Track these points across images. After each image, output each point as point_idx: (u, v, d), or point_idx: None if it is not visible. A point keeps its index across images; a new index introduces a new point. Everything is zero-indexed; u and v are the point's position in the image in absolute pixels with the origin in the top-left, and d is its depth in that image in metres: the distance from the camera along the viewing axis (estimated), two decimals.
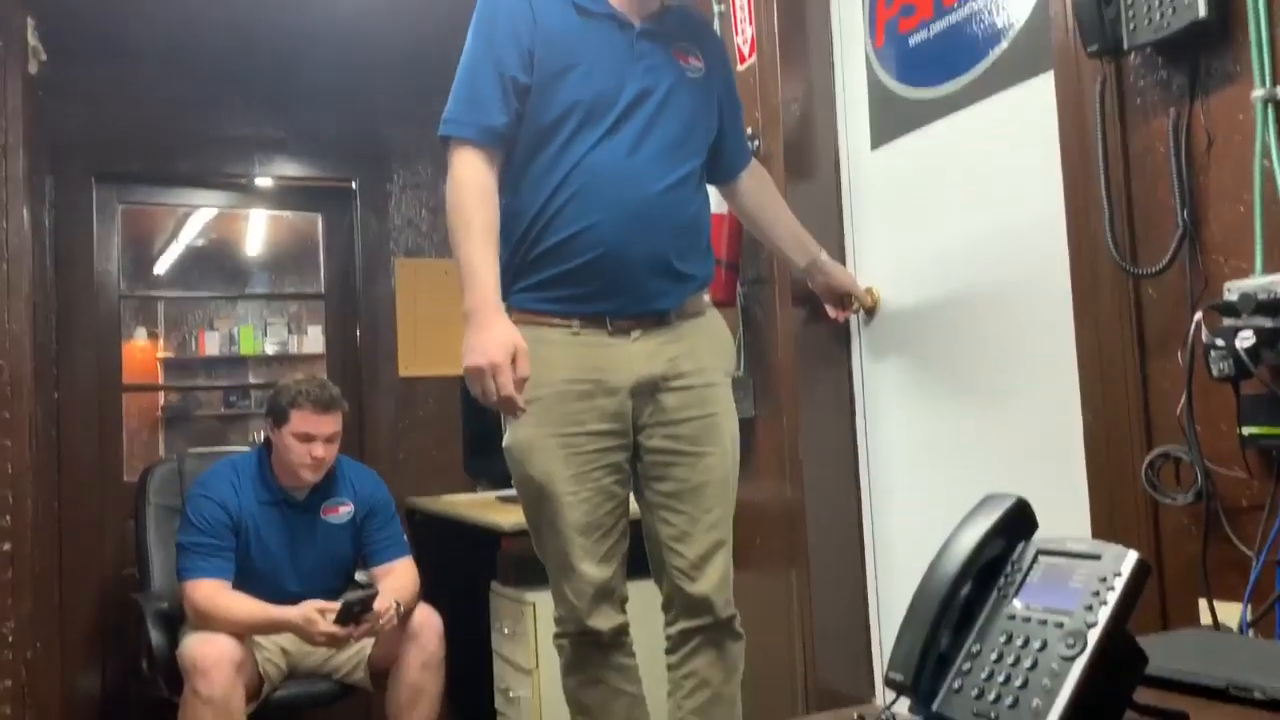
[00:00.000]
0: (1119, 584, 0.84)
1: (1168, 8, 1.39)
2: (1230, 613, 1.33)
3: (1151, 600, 1.47)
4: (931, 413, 2.19)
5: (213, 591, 2.50)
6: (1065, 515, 1.61)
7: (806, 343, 2.42)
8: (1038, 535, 0.95)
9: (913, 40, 2.24)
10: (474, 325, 1.68)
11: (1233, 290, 1.31)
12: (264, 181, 3.83)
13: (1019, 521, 0.96)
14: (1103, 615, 0.83)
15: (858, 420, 2.41)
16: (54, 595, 3.30)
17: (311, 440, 2.58)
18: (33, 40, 3.12)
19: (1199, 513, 1.42)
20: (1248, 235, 1.35)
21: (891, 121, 2.30)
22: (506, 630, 2.69)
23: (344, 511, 2.72)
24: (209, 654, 2.37)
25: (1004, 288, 1.98)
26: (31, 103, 3.27)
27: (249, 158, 3.73)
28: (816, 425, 2.40)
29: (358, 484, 2.77)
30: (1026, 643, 0.86)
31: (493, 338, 1.64)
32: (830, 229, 2.43)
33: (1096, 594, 0.84)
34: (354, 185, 3.86)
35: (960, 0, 2.10)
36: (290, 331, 6.82)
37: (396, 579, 2.64)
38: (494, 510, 2.89)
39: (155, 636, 2.64)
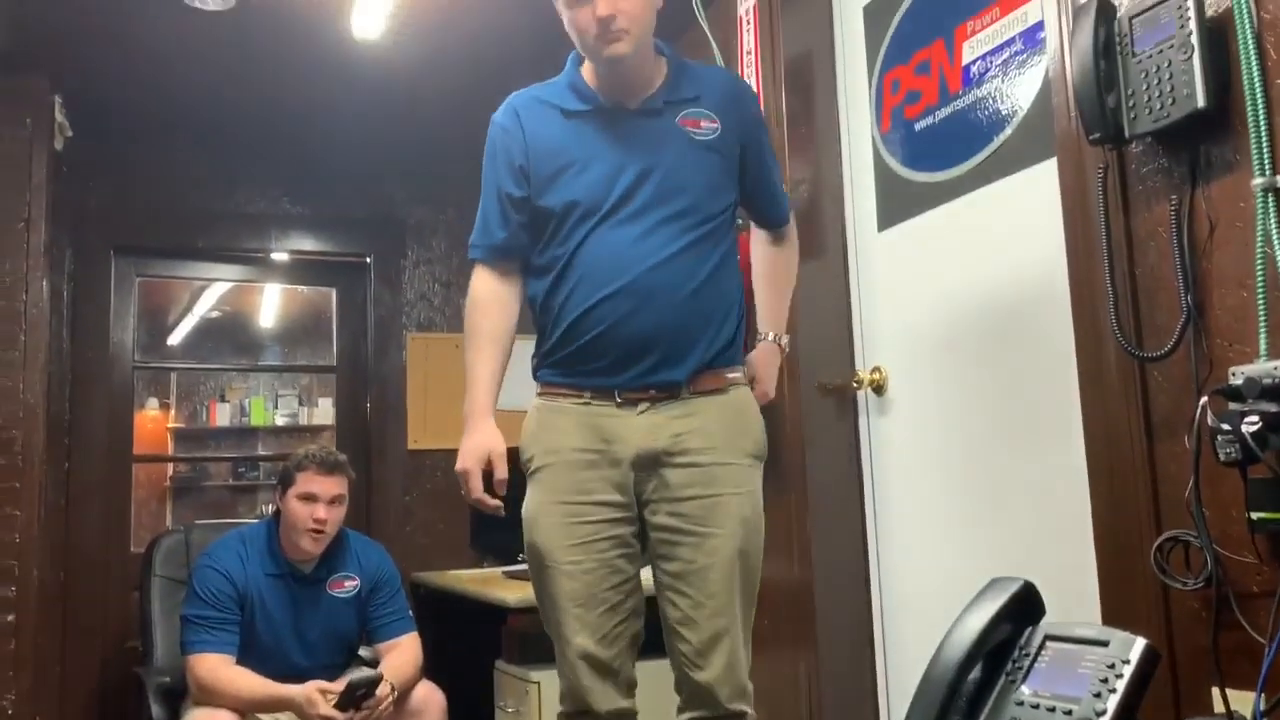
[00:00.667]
0: (1128, 671, 0.83)
1: (1168, 98, 1.42)
2: (1243, 701, 1.30)
3: (1163, 687, 1.45)
4: (940, 492, 2.19)
5: (216, 666, 2.46)
6: (1075, 598, 1.60)
7: (813, 419, 2.42)
8: (1046, 620, 0.95)
9: (919, 125, 2.28)
10: (465, 430, 1.89)
11: (1238, 375, 1.31)
12: (280, 256, 3.89)
13: (1026, 605, 0.96)
14: (1112, 703, 0.82)
15: (866, 499, 2.40)
16: (56, 668, 3.27)
17: (314, 501, 2.56)
18: (59, 117, 3.20)
19: (1209, 598, 1.40)
20: (1252, 320, 1.36)
21: (898, 204, 2.34)
22: (510, 709, 2.65)
23: (350, 586, 2.69)
24: None
25: (1011, 369, 1.99)
26: (55, 177, 3.34)
27: (266, 233, 3.80)
28: (824, 503, 2.39)
29: (364, 558, 2.74)
30: None
31: (472, 444, 1.85)
32: (838, 307, 2.45)
33: (1105, 681, 0.83)
34: (369, 260, 3.92)
35: (965, 87, 2.15)
36: (301, 403, 6.84)
37: (400, 655, 2.60)
38: (499, 586, 2.87)
39: (156, 712, 2.60)
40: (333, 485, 2.60)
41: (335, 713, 2.34)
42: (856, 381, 2.39)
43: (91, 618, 3.35)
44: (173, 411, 6.73)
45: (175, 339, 6.38)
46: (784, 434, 2.47)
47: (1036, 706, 0.86)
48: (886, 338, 2.38)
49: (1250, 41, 1.33)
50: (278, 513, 2.68)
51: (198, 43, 3.01)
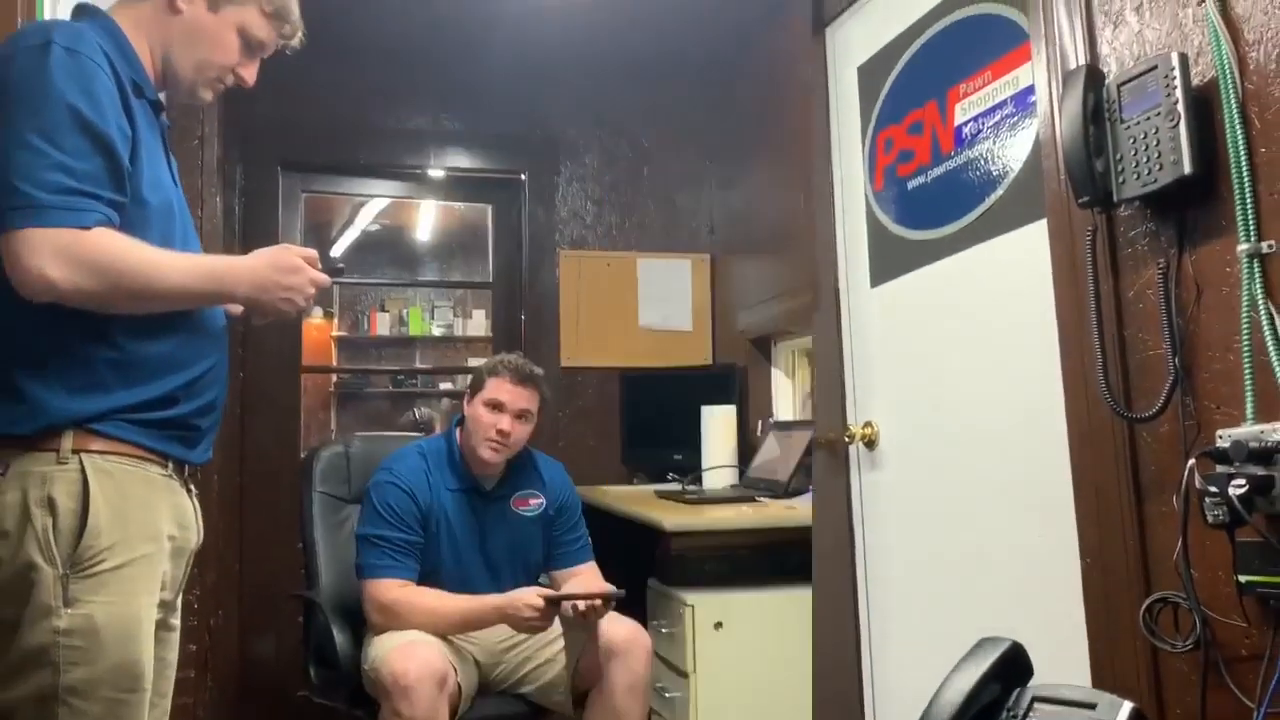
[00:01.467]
0: None
1: (1155, 163, 1.41)
2: None
3: None
4: (928, 550, 2.17)
5: (401, 590, 2.34)
6: (1064, 659, 1.54)
7: (817, 470, 2.47)
8: (1034, 681, 0.90)
9: (911, 184, 2.25)
10: (229, 272, 1.49)
11: (1225, 438, 1.28)
12: (436, 172, 3.93)
13: (1014, 666, 0.92)
14: None
15: (856, 555, 2.40)
16: (235, 566, 3.48)
17: (500, 410, 2.43)
18: None
19: (1198, 660, 1.35)
20: (1238, 383, 1.33)
21: (890, 261, 2.32)
22: (664, 630, 2.67)
23: (535, 504, 2.57)
24: (411, 670, 2.10)
25: (1000, 427, 1.95)
26: (224, 95, 3.43)
27: (424, 149, 3.83)
28: (822, 546, 2.40)
29: (549, 478, 2.62)
30: None
31: (263, 260, 1.50)
32: (832, 362, 2.45)
33: None
34: (523, 177, 3.92)
35: (958, 148, 2.10)
36: (456, 314, 7.02)
37: (584, 585, 2.45)
38: (654, 506, 2.88)
39: (340, 640, 2.40)
40: (522, 397, 2.46)
41: (543, 599, 2.22)
42: (849, 436, 2.37)
43: (266, 523, 3.53)
44: (336, 320, 7.00)
45: (337, 252, 6.60)
46: None
47: None
48: (879, 392, 2.35)
49: (1235, 111, 1.33)
50: (460, 421, 2.57)
51: None
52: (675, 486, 3.28)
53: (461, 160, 3.88)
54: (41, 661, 1.28)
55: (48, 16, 1.98)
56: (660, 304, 3.96)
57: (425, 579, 2.41)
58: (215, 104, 3.19)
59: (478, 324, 6.66)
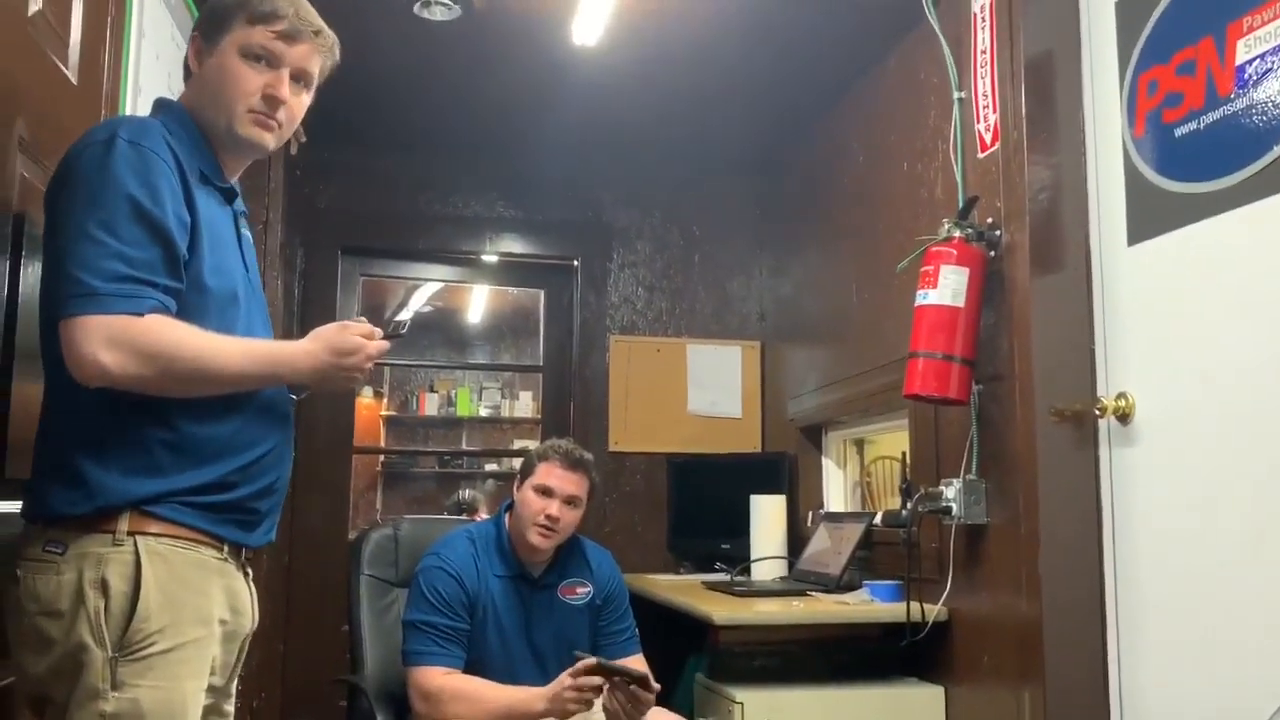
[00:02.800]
0: None
1: None
2: None
3: None
4: (1196, 540, 1.98)
5: (446, 678, 2.28)
6: None
7: (1049, 446, 2.24)
8: None
9: (1179, 131, 2.07)
10: (290, 359, 1.51)
11: None
12: (490, 257, 3.98)
13: None
14: None
15: (1105, 535, 2.21)
16: (279, 648, 3.46)
17: (550, 496, 2.40)
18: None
19: None
20: None
21: (1151, 216, 2.13)
22: None
23: (583, 593, 2.52)
24: None
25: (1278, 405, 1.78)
26: (290, 181, 3.53)
27: (480, 235, 3.90)
28: (1058, 536, 2.21)
29: (597, 566, 2.57)
30: None
31: (323, 341, 1.52)
32: (1078, 326, 2.26)
33: None
34: (576, 263, 3.96)
35: (1239, 90, 1.92)
36: (503, 396, 7.05)
37: None
38: (702, 597, 2.82)
39: None
40: (571, 482, 2.44)
41: (594, 679, 2.15)
42: (1099, 409, 2.19)
43: (312, 604, 3.52)
44: (385, 400, 7.07)
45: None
46: (1014, 460, 2.31)
47: None
48: (1134, 362, 2.17)
49: None
50: (509, 506, 2.54)
51: (423, 52, 3.11)
52: (723, 577, 3.22)
53: (516, 246, 3.94)
54: None
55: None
56: (709, 390, 3.94)
57: (471, 667, 2.36)
58: (281, 190, 3.31)
59: (524, 405, 6.68)
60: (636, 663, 2.49)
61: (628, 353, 3.91)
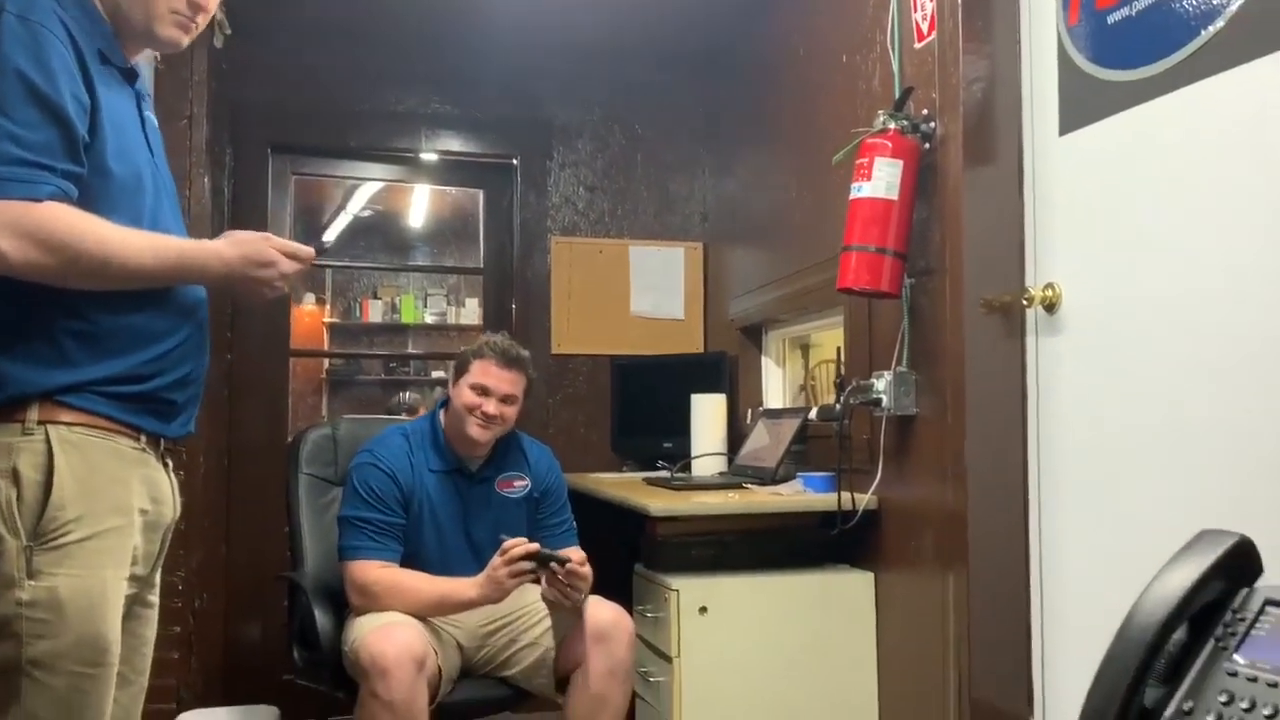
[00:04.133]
0: None
1: None
2: None
3: None
4: (1115, 424, 2.03)
5: (380, 571, 2.31)
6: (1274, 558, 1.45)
7: (977, 337, 2.28)
8: (1263, 582, 0.84)
9: (1112, 18, 2.05)
10: (198, 257, 1.49)
11: None
12: (428, 156, 3.90)
13: (1242, 563, 0.84)
14: None
15: (1029, 423, 2.26)
16: (221, 548, 3.46)
17: (486, 394, 2.40)
18: (219, 14, 3.24)
19: None
20: None
21: (1082, 106, 2.13)
22: (650, 615, 2.66)
23: (520, 486, 2.55)
24: (389, 651, 2.07)
25: (1206, 292, 1.80)
26: (215, 76, 3.41)
27: (415, 132, 3.81)
28: (983, 426, 2.26)
29: (535, 460, 2.60)
30: (1253, 707, 0.75)
31: (237, 244, 1.51)
32: (1011, 218, 2.28)
33: None
34: (515, 162, 3.89)
35: None
36: (449, 303, 6.99)
37: None
38: (642, 492, 2.86)
39: (321, 621, 2.37)
40: (507, 381, 2.43)
41: (521, 563, 2.17)
42: (1026, 299, 2.22)
43: (253, 505, 3.51)
44: (328, 307, 6.98)
45: (329, 236, 6.58)
46: (943, 352, 2.34)
47: (1254, 679, 0.75)
48: (1062, 253, 2.19)
49: None
50: (445, 403, 2.54)
51: None
52: (664, 474, 3.26)
53: (453, 144, 3.85)
54: (5, 634, 1.27)
55: None
56: (652, 292, 3.94)
57: (407, 561, 2.40)
58: (205, 84, 3.19)
59: (471, 312, 6.64)
60: (576, 553, 2.53)
61: (569, 254, 3.88)
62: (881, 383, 2.50)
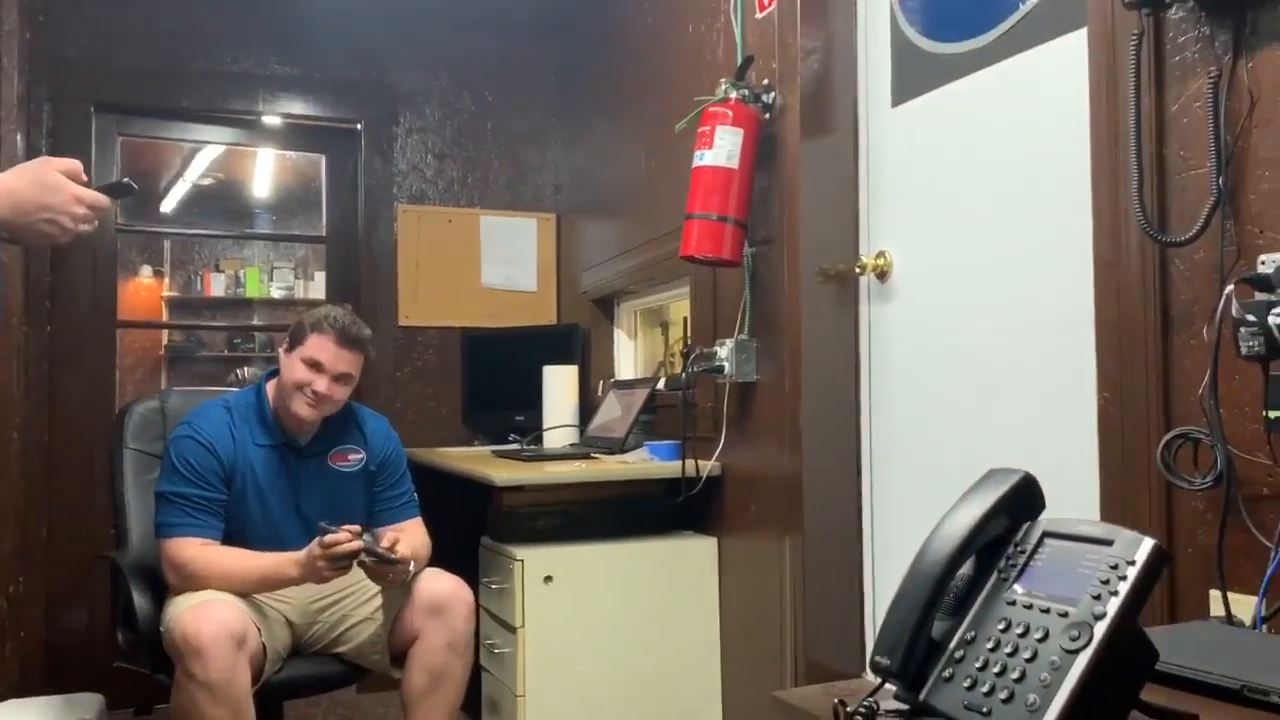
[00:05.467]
0: (1132, 573, 0.76)
1: None
2: (1244, 606, 1.25)
3: (1161, 588, 1.40)
4: (940, 384, 2.11)
5: (197, 550, 2.21)
6: (1075, 497, 1.54)
7: (814, 305, 2.33)
8: (1045, 516, 0.88)
9: None
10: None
11: (1268, 263, 1.22)
12: (271, 120, 3.74)
13: (1025, 499, 0.88)
14: (1112, 607, 0.75)
15: (862, 388, 2.33)
16: (42, 530, 3.26)
17: (319, 371, 2.29)
18: None
19: (1216, 498, 1.34)
20: None
21: (914, 77, 2.20)
22: (495, 586, 2.64)
23: (355, 460, 2.46)
24: (205, 630, 1.98)
25: (1023, 255, 1.89)
26: (31, 26, 3.19)
27: (253, 94, 3.64)
28: (820, 392, 2.32)
29: (370, 432, 2.51)
30: (1026, 632, 0.79)
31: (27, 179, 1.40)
32: (846, 188, 2.34)
33: (1106, 583, 0.76)
34: (359, 127, 3.77)
35: None
36: (297, 276, 6.76)
37: (408, 541, 2.30)
38: (487, 463, 2.83)
39: (139, 602, 2.27)
40: (344, 361, 2.32)
41: (343, 547, 2.09)
42: (859, 267, 2.29)
43: (78, 483, 3.32)
44: (167, 280, 6.66)
45: (167, 205, 6.26)
46: (782, 320, 2.39)
47: (1029, 606, 0.79)
48: (894, 222, 2.26)
49: None
50: (272, 374, 2.43)
51: None
52: (515, 447, 3.23)
53: (294, 107, 3.70)
54: None
55: None
56: (504, 263, 3.89)
57: (233, 539, 2.30)
58: (16, 34, 2.98)
59: (320, 286, 6.42)
60: (414, 527, 2.49)
61: (417, 223, 3.80)
62: (724, 350, 2.54)
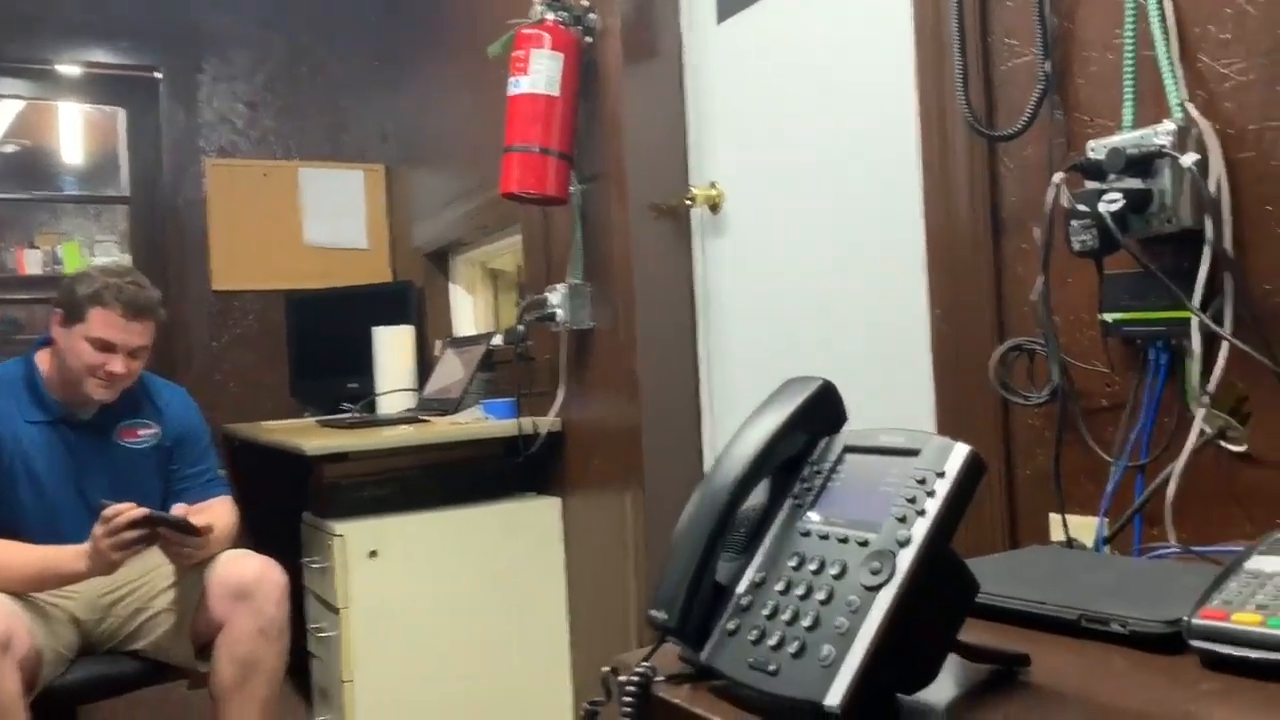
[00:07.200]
0: (942, 488, 0.61)
1: None
2: (1086, 527, 1.15)
3: (999, 512, 1.29)
4: (777, 317, 1.98)
5: None
6: (911, 419, 1.42)
7: (646, 243, 2.18)
8: (846, 430, 0.73)
9: None
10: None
11: (1098, 148, 1.10)
12: (64, 69, 3.35)
13: (824, 411, 0.73)
14: (919, 530, 0.60)
15: (699, 328, 2.19)
16: None
17: (111, 351, 2.05)
18: None
19: (1053, 414, 1.23)
20: (1116, 87, 1.15)
21: None
22: (316, 565, 2.41)
23: (146, 435, 2.21)
24: None
25: (855, 173, 1.76)
26: None
27: (37, 38, 3.25)
28: (656, 335, 2.17)
29: (164, 404, 2.25)
30: (822, 568, 0.64)
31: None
32: (673, 116, 2.18)
33: (912, 501, 0.62)
34: (159, 75, 3.42)
35: None
36: (121, 249, 6.26)
37: (206, 517, 2.06)
38: (310, 434, 2.59)
39: None
40: (136, 334, 2.07)
41: (127, 532, 1.86)
42: (690, 199, 2.14)
43: None
44: None
45: None
46: (615, 261, 2.22)
47: (826, 537, 0.64)
48: (723, 150, 2.12)
49: None
50: (43, 343, 2.15)
51: None
52: (346, 416, 3.00)
53: (83, 53, 3.33)
54: None
55: None
56: (329, 219, 3.61)
57: (8, 531, 2.02)
58: None
59: None
60: (219, 505, 2.24)
61: (229, 178, 3.48)
62: (556, 296, 2.37)
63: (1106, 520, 1.12)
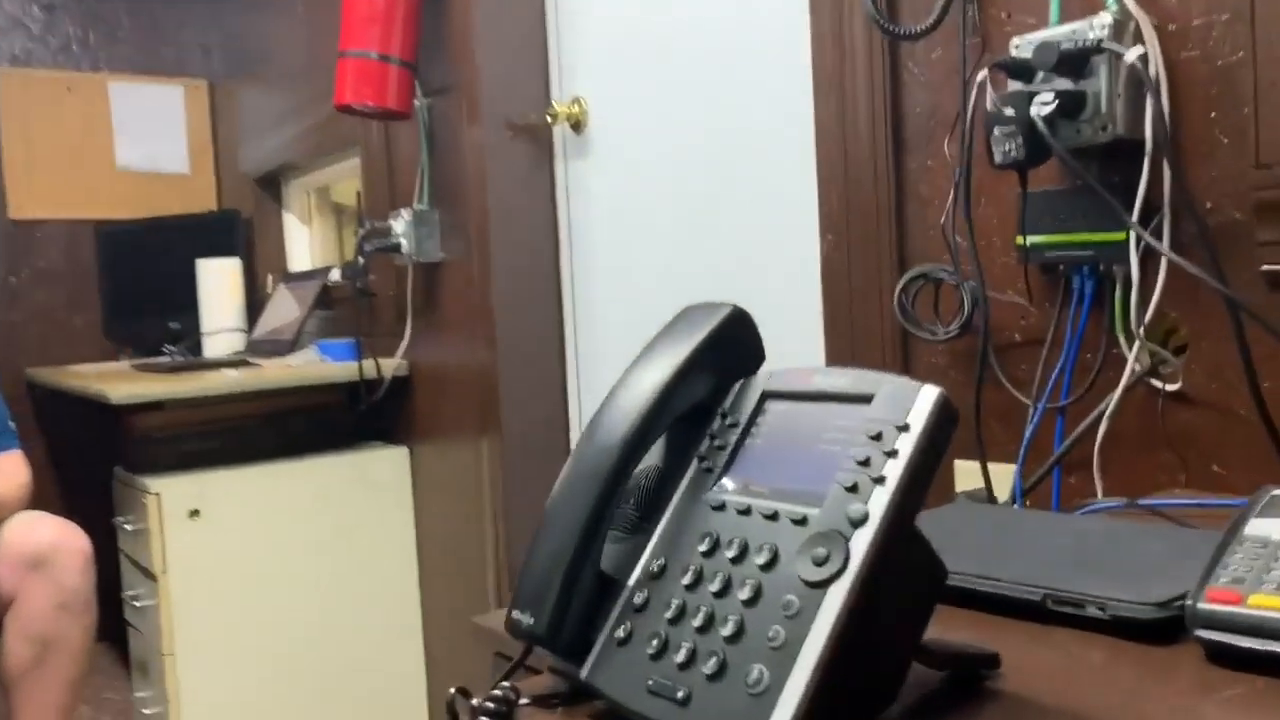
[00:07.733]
0: (905, 446, 0.46)
1: None
2: (1002, 475, 1.03)
3: None
4: (647, 245, 1.81)
5: None
6: (796, 360, 1.27)
7: (502, 167, 1.97)
8: (767, 371, 0.56)
9: None
10: None
11: (1024, 45, 0.96)
12: None
13: (735, 346, 0.57)
14: (877, 504, 0.44)
15: (563, 259, 2.00)
16: None
17: None
18: None
19: (960, 350, 1.11)
20: None
21: None
22: (130, 527, 2.14)
23: None
24: None
25: (738, 80, 1.59)
26: None
27: None
28: (514, 267, 1.98)
29: None
30: (742, 554, 0.47)
31: None
32: (531, 18, 1.97)
33: (866, 464, 0.46)
34: None
35: None
36: None
37: None
38: (120, 380, 2.29)
39: None
40: None
41: None
42: (551, 116, 1.93)
43: None
44: None
45: None
46: (465, 186, 2.00)
47: (746, 512, 0.47)
48: (587, 61, 1.92)
49: None
50: None
51: None
52: (165, 360, 2.69)
53: None
54: None
55: None
56: (144, 140, 3.23)
57: None
58: None
59: None
60: (8, 460, 1.94)
61: (24, 91, 3.06)
62: (400, 225, 2.13)
63: (1023, 468, 1.00)
